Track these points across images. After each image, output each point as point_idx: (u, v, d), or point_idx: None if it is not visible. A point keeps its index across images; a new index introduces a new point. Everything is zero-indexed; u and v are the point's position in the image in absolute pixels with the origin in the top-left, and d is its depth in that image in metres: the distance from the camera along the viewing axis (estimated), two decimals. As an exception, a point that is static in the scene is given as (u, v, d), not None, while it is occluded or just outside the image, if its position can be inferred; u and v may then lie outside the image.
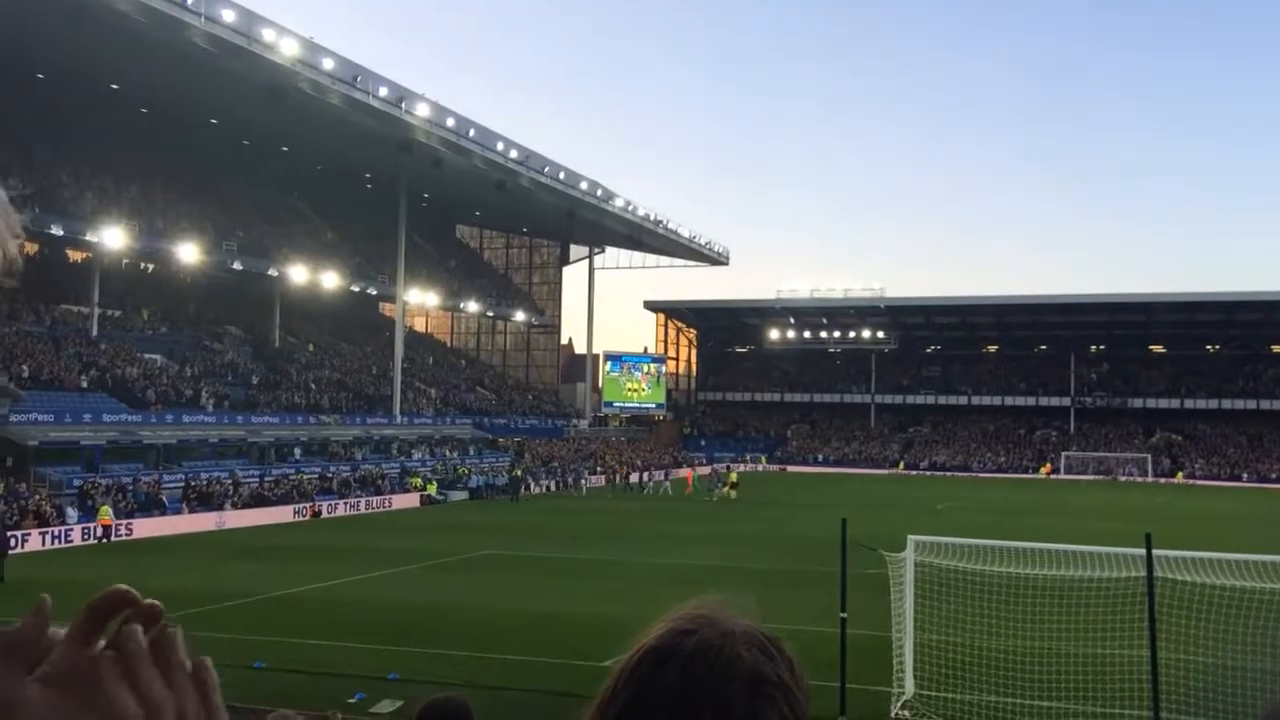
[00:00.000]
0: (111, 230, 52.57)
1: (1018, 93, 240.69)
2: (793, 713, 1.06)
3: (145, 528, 38.92)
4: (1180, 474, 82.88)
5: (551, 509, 51.94)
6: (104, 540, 37.08)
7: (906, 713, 15.60)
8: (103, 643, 0.77)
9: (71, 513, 38.47)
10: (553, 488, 64.70)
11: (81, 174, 56.31)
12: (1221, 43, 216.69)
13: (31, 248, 54.12)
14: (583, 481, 66.36)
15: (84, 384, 47.87)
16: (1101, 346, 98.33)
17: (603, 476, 69.36)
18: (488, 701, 14.30)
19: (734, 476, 61.54)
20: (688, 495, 60.62)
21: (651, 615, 1.15)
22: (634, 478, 67.56)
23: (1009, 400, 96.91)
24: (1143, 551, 14.28)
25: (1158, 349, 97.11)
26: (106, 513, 38.02)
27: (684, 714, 1.03)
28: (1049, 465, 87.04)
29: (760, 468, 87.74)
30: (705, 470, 73.31)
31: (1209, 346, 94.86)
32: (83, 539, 36.93)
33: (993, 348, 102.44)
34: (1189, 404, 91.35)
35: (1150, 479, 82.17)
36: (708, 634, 1.08)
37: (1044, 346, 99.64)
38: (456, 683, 15.62)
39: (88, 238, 52.72)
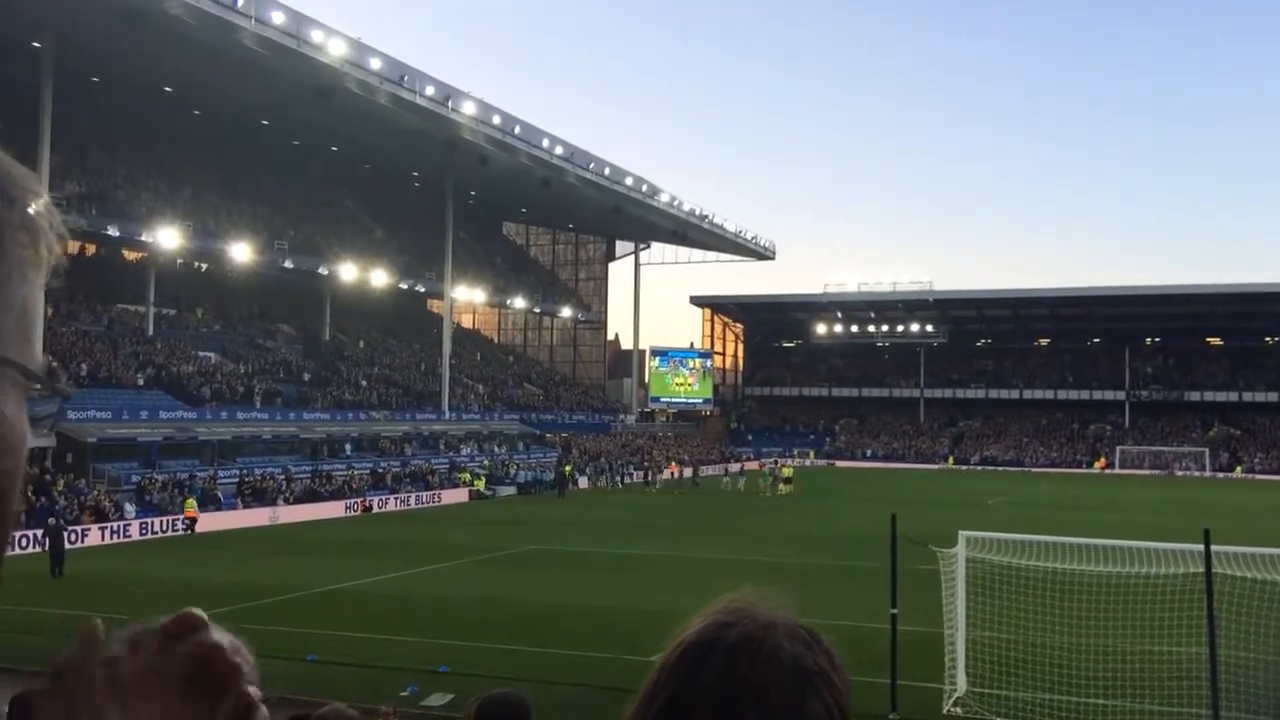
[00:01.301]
0: (166, 231, 53.50)
1: (1067, 81, 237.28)
2: (835, 703, 1.07)
3: (201, 523, 39.48)
4: (1239, 468, 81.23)
5: (599, 504, 52.03)
6: (189, 532, 37.51)
7: (959, 709, 15.45)
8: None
9: (130, 508, 39.20)
10: (601, 483, 64.43)
11: (136, 175, 57.33)
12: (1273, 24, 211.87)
13: (89, 248, 55.33)
14: (657, 476, 65.51)
15: (140, 382, 48.79)
16: (1157, 339, 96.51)
17: (648, 471, 68.52)
18: (538, 695, 14.23)
19: (788, 471, 60.67)
20: (761, 490, 58.32)
21: (702, 609, 1.14)
22: (687, 473, 67.08)
23: (1062, 394, 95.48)
24: (1201, 547, 14.02)
25: (1214, 341, 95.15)
26: (191, 505, 38.61)
27: (727, 706, 1.04)
28: (1103, 460, 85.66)
29: (808, 462, 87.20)
30: (755, 465, 72.60)
31: (1268, 338, 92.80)
32: (140, 534, 37.59)
33: (1045, 341, 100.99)
34: (1247, 397, 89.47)
35: (1208, 473, 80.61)
36: (748, 627, 1.08)
37: (1098, 339, 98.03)
38: (507, 676, 15.71)
39: (143, 238, 53.71)
